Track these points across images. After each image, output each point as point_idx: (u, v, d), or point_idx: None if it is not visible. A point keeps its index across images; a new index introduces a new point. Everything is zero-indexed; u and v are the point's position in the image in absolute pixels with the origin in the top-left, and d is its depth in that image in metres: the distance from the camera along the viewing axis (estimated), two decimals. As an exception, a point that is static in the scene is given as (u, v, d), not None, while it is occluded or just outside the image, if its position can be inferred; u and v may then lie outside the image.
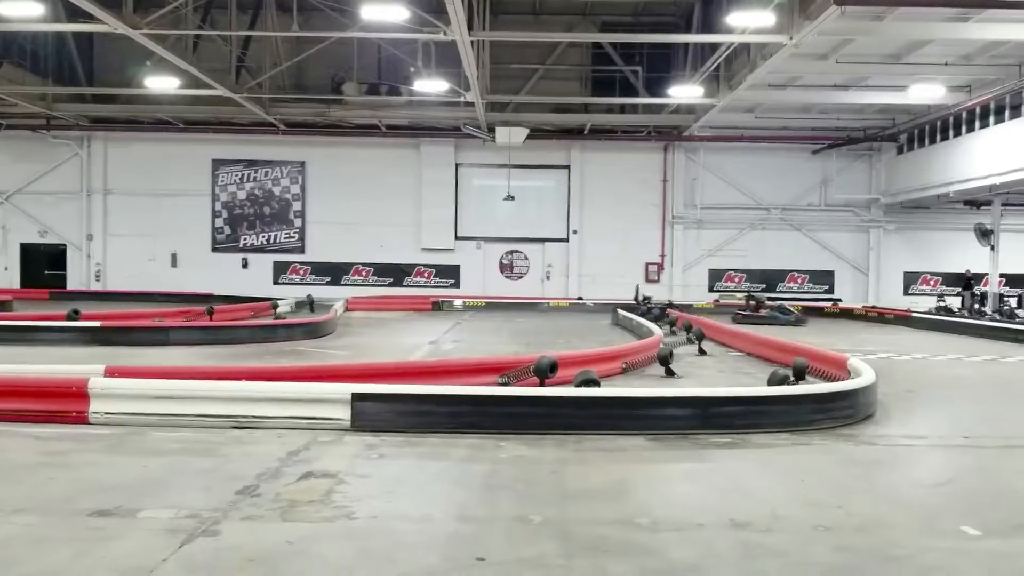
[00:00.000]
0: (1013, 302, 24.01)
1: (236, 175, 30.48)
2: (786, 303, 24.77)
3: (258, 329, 17.46)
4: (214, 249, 30.53)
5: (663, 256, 30.61)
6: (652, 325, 17.42)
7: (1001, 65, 21.26)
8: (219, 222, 30.54)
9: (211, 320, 18.85)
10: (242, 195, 30.53)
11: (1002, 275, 25.97)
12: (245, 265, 30.45)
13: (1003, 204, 25.68)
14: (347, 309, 24.92)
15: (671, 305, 23.94)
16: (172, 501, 5.43)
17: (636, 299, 24.89)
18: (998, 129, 22.71)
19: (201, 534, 4.80)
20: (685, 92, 23.21)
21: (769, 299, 25.60)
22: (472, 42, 18.93)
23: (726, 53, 20.59)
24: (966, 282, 26.08)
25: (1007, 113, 22.27)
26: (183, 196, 30.02)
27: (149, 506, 5.31)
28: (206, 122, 28.83)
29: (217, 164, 30.38)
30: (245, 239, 30.53)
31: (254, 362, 12.14)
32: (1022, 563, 4.59)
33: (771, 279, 30.64)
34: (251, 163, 30.42)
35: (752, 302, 24.15)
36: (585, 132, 29.48)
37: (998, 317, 22.70)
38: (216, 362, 12.30)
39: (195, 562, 4.42)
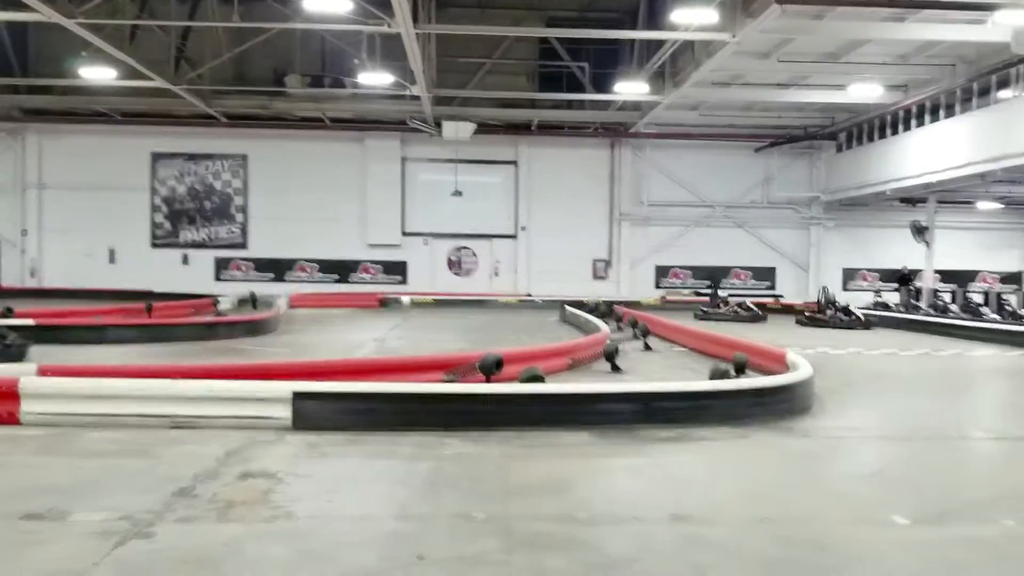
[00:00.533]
0: (947, 298, 24.63)
1: (176, 169, 29.91)
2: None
3: (198, 327, 17.18)
4: (153, 245, 29.93)
5: (611, 253, 30.82)
6: (599, 321, 17.54)
7: (936, 65, 21.82)
8: (159, 217, 29.95)
9: (150, 318, 18.50)
10: (182, 189, 29.97)
11: (937, 271, 26.67)
12: (186, 261, 29.92)
13: (938, 202, 26.37)
14: (291, 306, 24.63)
15: (607, 304, 23.87)
16: (106, 503, 5.30)
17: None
18: (933, 128, 23.29)
19: (135, 536, 4.70)
20: (631, 89, 23.39)
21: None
22: (417, 35, 18.82)
23: (671, 50, 20.82)
24: (902, 277, 26.73)
25: (942, 113, 22.84)
26: (121, 190, 29.33)
27: (82, 508, 5.19)
28: (145, 114, 28.23)
29: (156, 157, 29.77)
30: (185, 235, 29.99)
31: (193, 360, 11.93)
32: (946, 550, 4.72)
33: (716, 275, 31.04)
34: (191, 156, 29.87)
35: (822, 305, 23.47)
36: (533, 128, 29.53)
37: (932, 312, 23.30)
38: (155, 361, 12.08)
39: (128, 565, 4.32)
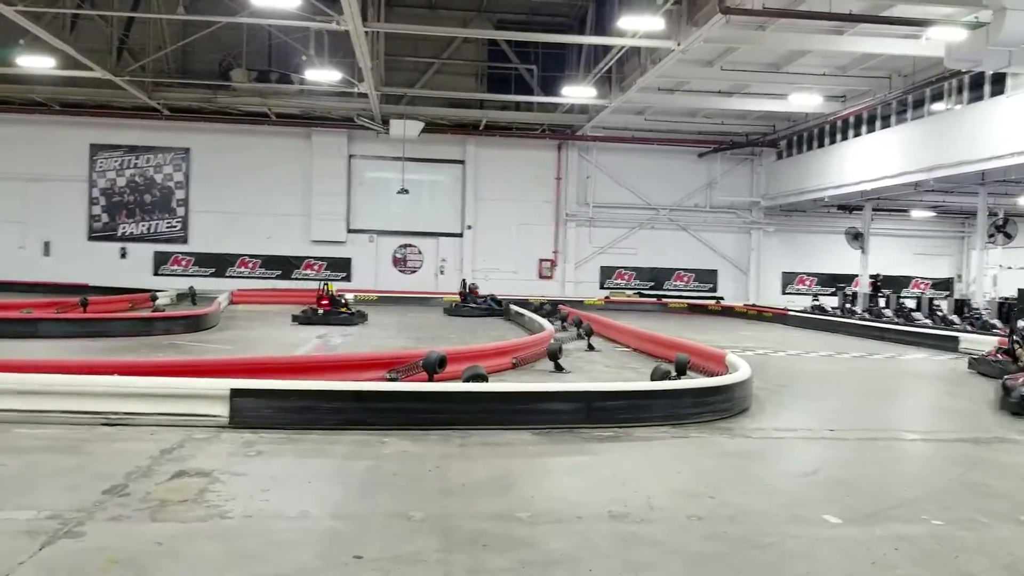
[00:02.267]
0: (881, 302, 25.24)
1: (116, 161, 29.28)
2: None
3: (135, 322, 16.85)
4: (91, 237, 29.27)
5: (556, 252, 30.98)
6: (543, 321, 17.61)
7: (873, 77, 22.38)
8: (96, 209, 29.28)
9: (85, 312, 18.07)
10: (122, 182, 29.36)
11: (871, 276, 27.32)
12: (124, 255, 29.30)
13: (873, 209, 27.05)
14: (232, 302, 24.29)
15: (552, 304, 23.98)
16: (33, 501, 5.17)
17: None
18: (869, 138, 23.88)
19: (63, 535, 4.59)
20: (578, 92, 23.55)
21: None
22: (366, 33, 18.71)
23: (618, 56, 21.01)
24: (874, 284, 27.05)
25: (878, 123, 23.44)
26: (58, 181, 28.66)
27: (8, 507, 5.06)
28: (84, 105, 27.62)
29: (95, 149, 29.12)
30: (124, 228, 29.37)
31: (129, 356, 11.69)
32: (875, 548, 4.83)
33: (659, 277, 31.43)
34: (132, 149, 29.28)
35: None
36: (480, 128, 29.54)
37: (867, 316, 23.86)
38: (89, 356, 11.79)
39: (55, 565, 4.22)
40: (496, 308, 23.24)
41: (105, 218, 29.36)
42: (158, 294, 22.68)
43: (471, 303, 23.84)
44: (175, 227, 29.58)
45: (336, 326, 18.57)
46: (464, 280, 25.61)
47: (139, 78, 24.76)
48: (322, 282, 22.02)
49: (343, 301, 19.98)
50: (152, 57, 24.45)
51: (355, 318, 19.58)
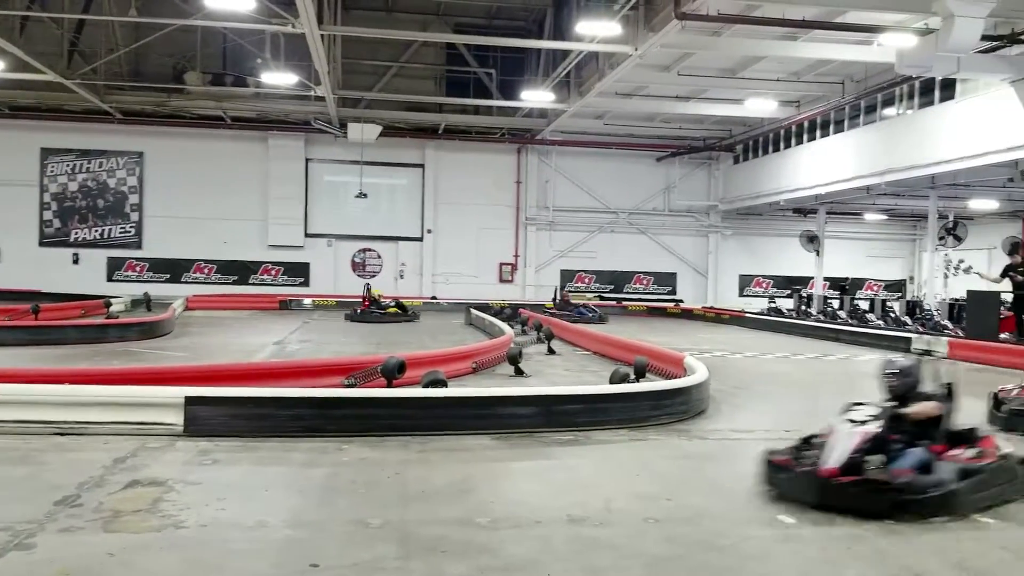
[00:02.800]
0: (835, 304, 25.64)
1: (67, 165, 28.78)
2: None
3: (88, 329, 16.52)
4: (42, 243, 28.73)
5: (517, 256, 31.04)
6: (503, 325, 17.62)
7: (827, 83, 22.75)
8: (48, 215, 28.75)
9: (36, 319, 17.72)
10: (74, 186, 28.86)
11: (826, 279, 27.78)
12: (76, 261, 28.78)
13: (827, 213, 27.47)
14: (187, 308, 23.96)
15: (512, 308, 24.07)
16: (-19, 514, 5.05)
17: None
18: (824, 143, 24.26)
19: (13, 548, 4.50)
20: (537, 97, 23.64)
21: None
22: (323, 36, 18.61)
23: (576, 60, 21.12)
24: (841, 287, 27.43)
25: (831, 128, 23.82)
26: (8, 186, 28.10)
27: (-46, 520, 4.93)
28: (34, 108, 27.13)
29: (46, 153, 28.60)
30: (77, 233, 28.87)
31: (82, 364, 11.49)
32: (829, 549, 4.91)
33: (619, 280, 31.65)
34: (84, 153, 28.79)
35: None
36: (440, 132, 29.52)
37: (822, 318, 24.22)
38: (41, 364, 11.57)
39: (4, 578, 4.14)
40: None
41: (57, 223, 28.83)
42: (112, 300, 22.29)
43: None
44: (129, 232, 29.13)
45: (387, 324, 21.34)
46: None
47: (91, 81, 24.37)
48: (366, 285, 24.20)
49: (389, 303, 22.93)
50: (104, 60, 24.06)
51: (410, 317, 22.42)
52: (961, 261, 21.73)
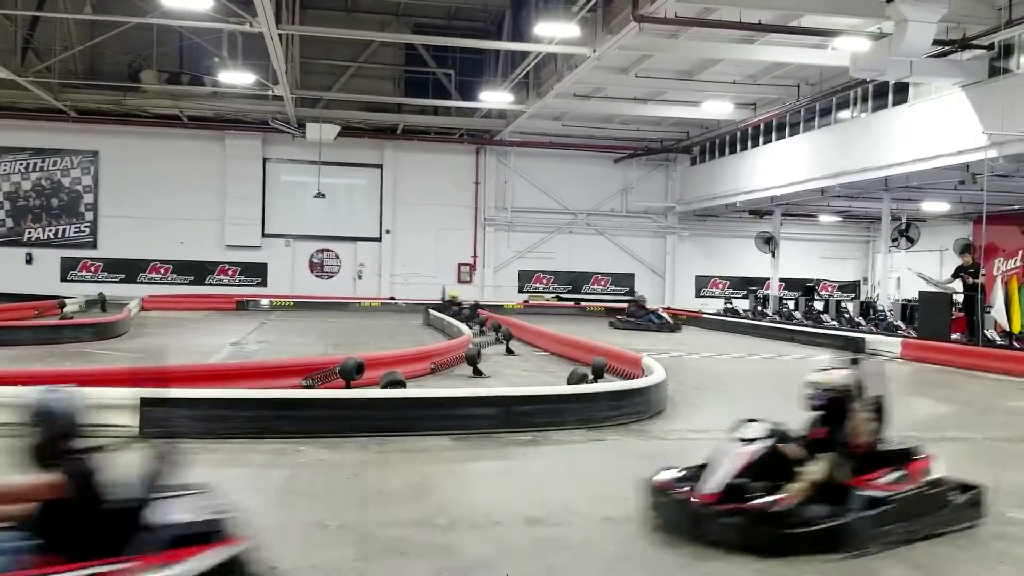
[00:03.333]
0: (791, 305, 25.99)
1: (21, 164, 28.22)
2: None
3: (42, 329, 16.26)
4: (-7, 243, 28.13)
5: (475, 257, 31.03)
6: (462, 325, 17.66)
7: (782, 85, 23.06)
8: (0, 214, 28.15)
9: (-14, 320, 17.37)
10: (27, 185, 28.31)
11: (789, 280, 28.20)
12: (29, 260, 28.21)
13: (783, 214, 27.82)
14: (143, 308, 23.65)
15: (479, 306, 24.30)
16: (-70, 520, 4.94)
17: (442, 299, 25.40)
18: (779, 145, 24.58)
19: (-37, 554, 4.41)
20: (496, 98, 23.66)
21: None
22: (281, 35, 18.47)
23: (535, 62, 21.19)
24: (806, 288, 27.78)
25: (787, 131, 24.15)
26: (-44, 185, 27.47)
27: (-99, 526, 4.82)
28: (-15, 106, 26.52)
29: (-1, 151, 28.02)
30: (30, 233, 28.30)
31: (35, 365, 11.29)
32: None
33: (577, 281, 31.77)
34: (38, 151, 28.24)
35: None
36: (398, 132, 29.42)
37: (778, 319, 24.55)
38: (-10, 366, 11.33)
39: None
40: None
41: (9, 223, 28.25)
42: (66, 301, 21.93)
43: None
44: (83, 232, 28.63)
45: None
46: None
47: (45, 79, 23.91)
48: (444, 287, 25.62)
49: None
50: (58, 57, 23.62)
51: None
52: (909, 268, 22.15)
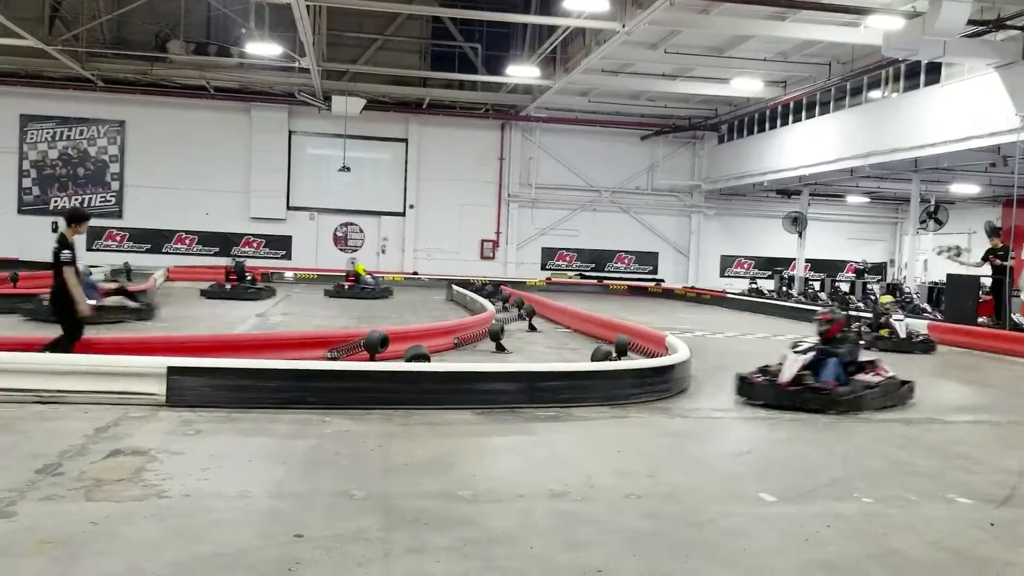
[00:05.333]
0: (816, 286, 25.80)
1: (48, 132, 28.45)
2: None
3: (69, 298, 16.33)
4: (20, 211, 28.44)
5: (498, 233, 31.01)
6: (485, 301, 17.64)
7: (813, 63, 22.77)
8: (27, 182, 28.45)
9: (15, 287, 17.57)
10: (54, 154, 28.54)
11: (807, 260, 27.98)
12: (55, 229, 28.28)
13: (810, 195, 27.58)
14: (168, 279, 23.81)
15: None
16: (-39, 481, 5.03)
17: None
18: (808, 124, 24.32)
19: (-6, 516, 4.49)
20: (522, 72, 23.52)
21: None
22: (308, 7, 18.42)
23: (563, 36, 21.03)
24: (858, 271, 27.54)
25: (817, 109, 23.88)
26: (-14, 153, 27.72)
27: (-66, 487, 4.91)
28: (14, 75, 26.76)
29: (26, 120, 28.26)
30: (56, 201, 28.56)
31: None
32: (808, 526, 4.96)
33: (600, 259, 31.70)
34: (64, 120, 28.45)
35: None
36: (424, 106, 29.36)
37: (803, 299, 24.36)
38: (19, 332, 11.48)
39: (-14, 546, 4.12)
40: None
41: (36, 191, 28.53)
42: (92, 270, 22.07)
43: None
44: (109, 202, 28.86)
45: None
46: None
47: (72, 48, 24.03)
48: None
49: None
50: (86, 26, 23.72)
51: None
52: (952, 248, 21.63)
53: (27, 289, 17.61)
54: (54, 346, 8.36)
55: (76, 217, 8.86)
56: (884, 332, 14.46)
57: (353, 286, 22.22)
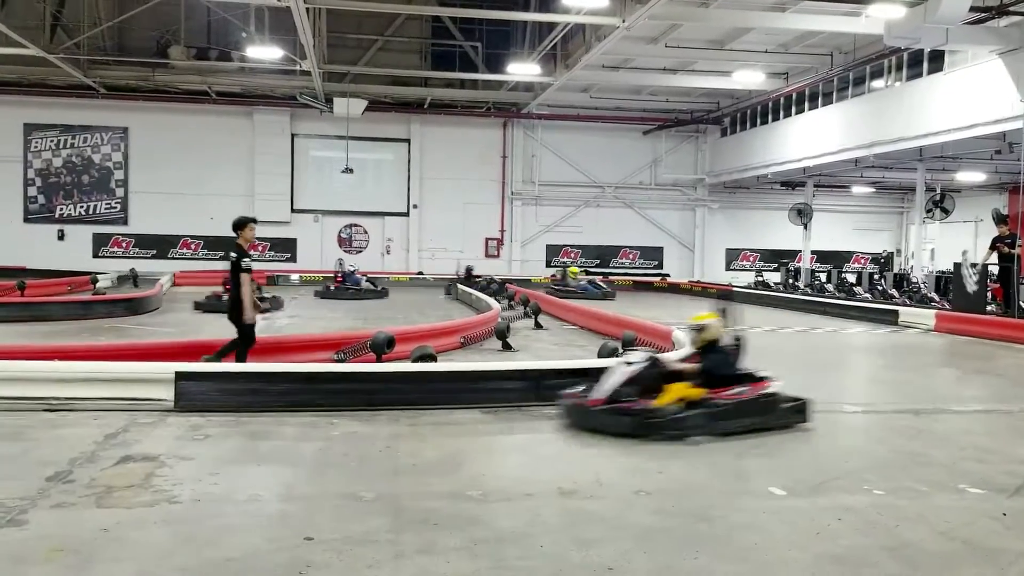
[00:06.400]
0: (823, 277, 25.74)
1: (52, 141, 28.52)
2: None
3: (75, 305, 16.47)
4: (27, 219, 28.51)
5: (503, 231, 30.99)
6: (490, 300, 17.64)
7: (815, 54, 22.70)
8: (32, 191, 28.52)
9: (23, 296, 17.63)
10: (58, 162, 28.61)
11: (813, 252, 27.91)
12: (62, 237, 28.59)
13: (815, 186, 27.52)
14: (174, 284, 23.86)
15: (492, 280, 24.20)
16: (-27, 491, 5.04)
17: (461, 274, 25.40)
18: (811, 115, 24.24)
19: (6, 524, 4.50)
20: (523, 70, 23.49)
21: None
22: (308, 9, 18.41)
23: (563, 33, 21.00)
24: (882, 260, 27.47)
25: (820, 100, 23.80)
26: (-9, 162, 27.80)
27: (-54, 497, 4.92)
28: (17, 84, 26.80)
29: (30, 129, 28.33)
30: (62, 209, 28.66)
31: (70, 340, 11.44)
32: (819, 519, 4.95)
33: (605, 255, 31.65)
34: (68, 128, 28.52)
35: None
36: (425, 106, 29.35)
37: (809, 291, 24.32)
38: (28, 340, 11.51)
39: (-2, 555, 4.13)
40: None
41: (41, 199, 28.61)
42: (98, 277, 22.19)
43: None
44: (114, 208, 28.93)
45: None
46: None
47: (74, 55, 24.09)
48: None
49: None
50: (87, 34, 23.76)
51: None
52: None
53: (35, 297, 17.68)
54: (228, 350, 8.69)
55: (240, 224, 9.09)
56: None
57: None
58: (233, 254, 8.75)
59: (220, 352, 8.62)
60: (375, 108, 28.06)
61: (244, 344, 8.75)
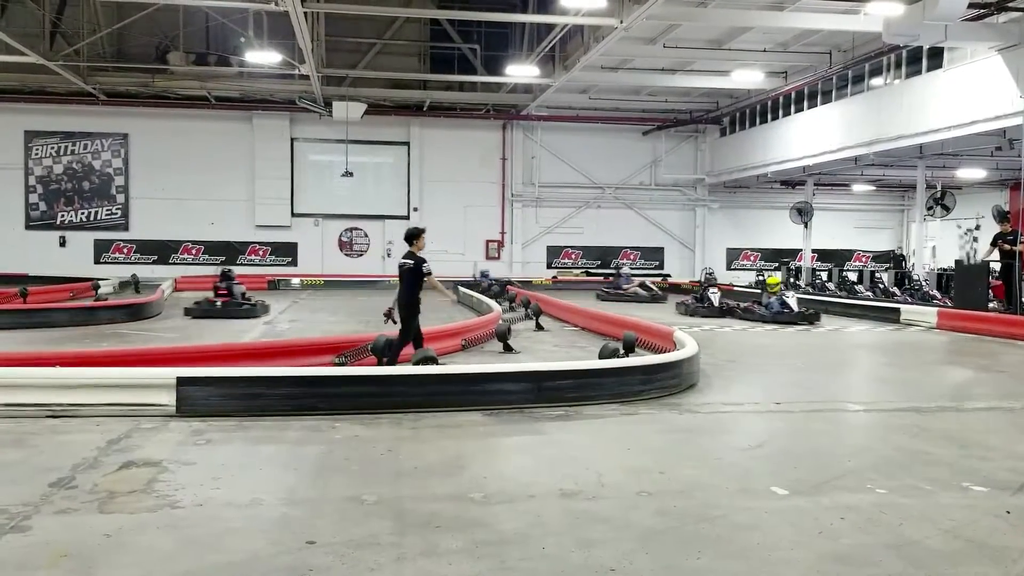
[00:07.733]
0: (824, 276, 25.72)
1: (52, 147, 28.55)
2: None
3: (77, 311, 16.49)
4: (28, 226, 28.56)
5: (503, 233, 30.99)
6: (491, 302, 17.63)
7: (813, 53, 22.71)
8: (34, 198, 28.56)
9: (25, 302, 17.65)
10: (59, 169, 28.65)
11: (814, 250, 27.89)
12: (63, 243, 28.62)
13: (815, 184, 27.51)
14: (176, 289, 23.87)
15: (509, 282, 24.32)
16: (-25, 498, 5.05)
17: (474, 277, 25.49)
18: (811, 114, 24.24)
19: (9, 531, 4.50)
20: (522, 71, 23.51)
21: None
22: (306, 13, 18.44)
23: (561, 34, 21.01)
24: (896, 259, 27.47)
25: (819, 98, 23.80)
26: (-8, 170, 27.85)
27: (-51, 504, 4.93)
28: (17, 91, 26.83)
29: (30, 136, 28.36)
30: (63, 216, 28.69)
31: (72, 346, 11.45)
32: (822, 518, 4.95)
33: (606, 255, 31.64)
34: (68, 135, 28.56)
35: None
36: (424, 109, 29.37)
37: (811, 290, 24.29)
38: (30, 347, 11.52)
39: (2, 561, 4.13)
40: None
41: (43, 206, 28.64)
42: (100, 283, 22.21)
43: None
44: (115, 214, 28.96)
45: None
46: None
47: (74, 62, 24.12)
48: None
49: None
50: (86, 41, 23.80)
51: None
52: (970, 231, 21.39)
53: (37, 304, 17.70)
54: (387, 347, 9.48)
55: (415, 234, 10.20)
56: None
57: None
58: (410, 261, 9.83)
59: (391, 356, 9.39)
60: (374, 111, 28.08)
61: (401, 342, 9.54)
